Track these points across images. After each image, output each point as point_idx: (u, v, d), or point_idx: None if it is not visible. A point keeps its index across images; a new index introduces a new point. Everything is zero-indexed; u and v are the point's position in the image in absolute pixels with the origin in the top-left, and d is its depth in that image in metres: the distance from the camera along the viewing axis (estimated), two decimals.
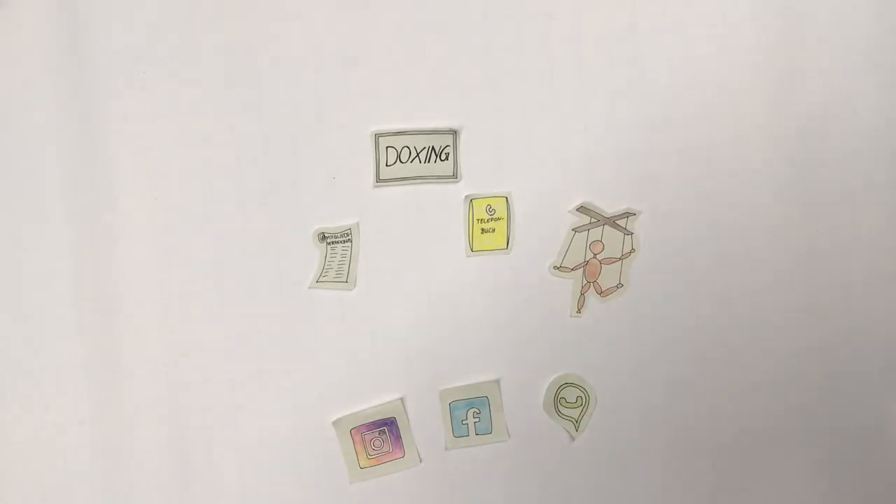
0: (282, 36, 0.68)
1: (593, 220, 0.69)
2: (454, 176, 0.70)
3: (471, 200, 0.70)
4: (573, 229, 0.69)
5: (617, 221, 0.69)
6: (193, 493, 0.69)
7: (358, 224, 0.70)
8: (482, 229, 0.69)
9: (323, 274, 0.70)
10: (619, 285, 0.70)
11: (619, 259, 0.70)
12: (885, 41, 0.71)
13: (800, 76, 0.71)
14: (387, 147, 0.69)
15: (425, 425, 0.71)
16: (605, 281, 0.70)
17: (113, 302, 0.67)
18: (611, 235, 0.70)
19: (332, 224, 0.69)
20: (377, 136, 0.69)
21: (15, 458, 0.66)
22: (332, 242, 0.70)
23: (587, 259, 0.70)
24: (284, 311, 0.69)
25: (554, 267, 0.70)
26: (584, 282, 0.70)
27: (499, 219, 0.69)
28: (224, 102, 0.67)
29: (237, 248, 0.68)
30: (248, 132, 0.68)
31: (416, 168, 0.70)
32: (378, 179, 0.69)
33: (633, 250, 0.70)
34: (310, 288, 0.69)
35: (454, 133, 0.70)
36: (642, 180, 0.70)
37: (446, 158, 0.70)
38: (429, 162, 0.70)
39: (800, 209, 0.71)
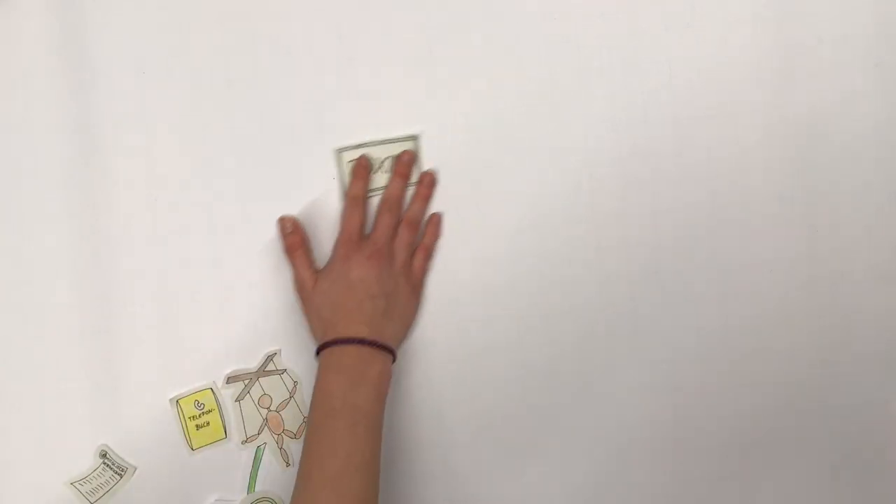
0: (282, 36, 0.68)
1: (246, 381, 0.67)
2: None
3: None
4: (235, 400, 0.67)
5: (266, 370, 0.67)
6: (194, 494, 0.69)
7: None
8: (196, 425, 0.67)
9: None
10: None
11: (291, 397, 0.68)
12: (885, 41, 0.71)
13: (800, 76, 0.70)
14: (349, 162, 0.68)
15: None
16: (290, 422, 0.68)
17: (113, 302, 0.67)
18: (270, 385, 0.68)
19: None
20: (340, 151, 0.68)
21: (15, 458, 0.66)
22: None
23: (266, 417, 0.68)
24: (285, 312, 0.69)
25: (241, 443, 0.67)
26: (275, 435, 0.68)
27: (209, 411, 0.67)
28: (224, 102, 0.67)
29: (237, 248, 0.68)
30: (248, 132, 0.68)
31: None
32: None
33: (295, 383, 0.68)
34: None
35: (414, 139, 0.69)
36: (642, 180, 0.70)
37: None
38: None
39: (800, 209, 0.71)
